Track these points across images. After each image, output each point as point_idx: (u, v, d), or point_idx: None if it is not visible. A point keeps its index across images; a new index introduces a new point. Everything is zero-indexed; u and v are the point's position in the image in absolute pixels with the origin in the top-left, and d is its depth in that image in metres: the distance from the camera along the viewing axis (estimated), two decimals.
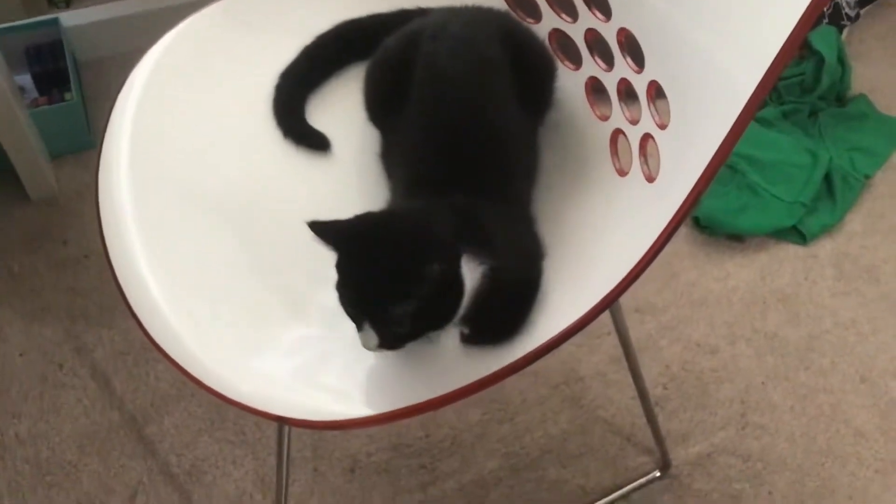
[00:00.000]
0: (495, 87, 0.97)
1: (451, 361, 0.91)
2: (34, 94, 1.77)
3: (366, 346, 0.83)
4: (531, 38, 1.04)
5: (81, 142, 1.73)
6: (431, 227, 0.85)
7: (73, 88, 1.72)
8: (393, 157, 1.01)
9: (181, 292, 0.94)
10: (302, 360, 0.92)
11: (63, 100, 1.74)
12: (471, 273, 0.85)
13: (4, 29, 1.71)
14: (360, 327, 0.83)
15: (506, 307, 0.90)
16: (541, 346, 0.84)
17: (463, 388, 0.84)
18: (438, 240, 0.83)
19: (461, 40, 0.98)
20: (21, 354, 1.50)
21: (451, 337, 0.93)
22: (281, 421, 0.86)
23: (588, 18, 1.00)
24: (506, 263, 0.88)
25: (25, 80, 1.77)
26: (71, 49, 1.80)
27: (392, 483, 1.39)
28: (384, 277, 0.81)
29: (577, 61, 1.04)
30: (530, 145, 1.00)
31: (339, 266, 0.83)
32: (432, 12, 1.08)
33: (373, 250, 0.82)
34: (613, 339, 1.52)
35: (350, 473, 1.40)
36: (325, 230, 0.82)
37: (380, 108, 1.04)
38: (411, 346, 0.90)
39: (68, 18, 1.82)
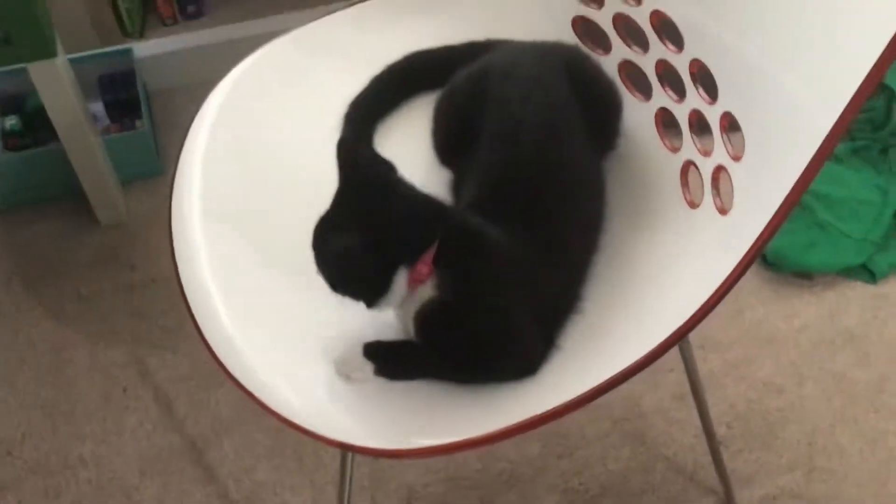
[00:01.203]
0: (565, 129, 0.97)
1: (513, 394, 0.91)
2: (106, 121, 1.82)
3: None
4: (599, 75, 1.04)
5: (151, 169, 1.77)
6: (413, 218, 0.86)
7: (143, 116, 1.76)
8: (458, 196, 1.00)
9: (248, 318, 0.95)
10: (364, 388, 0.91)
11: (134, 128, 1.78)
12: (423, 291, 0.86)
13: (79, 58, 1.76)
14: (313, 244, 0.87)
15: (423, 353, 0.91)
16: (607, 380, 0.83)
17: (524, 422, 0.82)
18: (392, 226, 0.85)
19: (530, 81, 0.99)
20: (86, 377, 1.52)
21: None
22: (343, 447, 0.86)
23: (659, 49, 0.99)
24: (459, 317, 0.88)
25: (98, 108, 1.82)
26: (142, 78, 1.84)
27: None
28: (338, 226, 0.85)
29: (647, 93, 1.04)
30: (594, 189, 1.00)
31: (334, 198, 0.87)
32: (500, 47, 1.08)
33: (348, 199, 0.86)
34: (677, 376, 1.50)
35: None
36: (345, 156, 0.87)
37: (448, 148, 1.04)
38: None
39: (141, 49, 1.86)
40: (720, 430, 1.44)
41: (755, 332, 1.57)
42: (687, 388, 1.46)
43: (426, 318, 0.88)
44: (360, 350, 0.90)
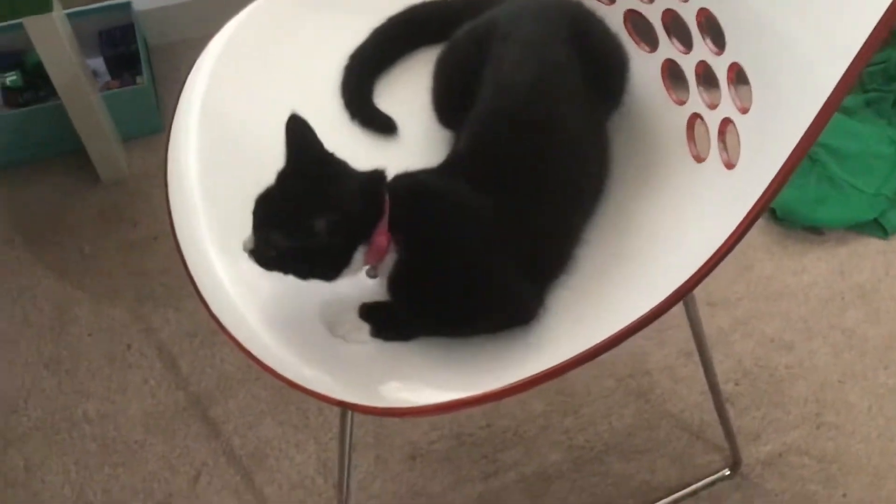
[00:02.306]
0: (561, 93, 0.96)
1: (515, 351, 0.90)
2: (106, 77, 1.80)
3: (243, 246, 0.86)
4: (604, 33, 1.02)
5: (152, 125, 1.75)
6: (362, 191, 0.86)
7: (143, 72, 1.74)
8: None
9: (247, 275, 0.94)
10: (363, 348, 0.90)
11: (134, 83, 1.76)
12: (390, 255, 0.87)
13: (78, 13, 1.73)
14: (253, 230, 0.85)
15: (404, 309, 0.90)
16: (610, 336, 0.82)
17: (528, 379, 0.82)
18: (342, 205, 0.84)
19: (529, 43, 0.97)
20: (90, 334, 1.52)
21: (518, 328, 0.91)
22: (343, 406, 0.85)
23: None
24: (431, 274, 0.88)
25: (98, 63, 1.79)
26: (142, 33, 1.81)
27: (453, 472, 1.37)
28: (287, 207, 0.84)
29: (653, 44, 1.01)
30: (593, 149, 0.98)
31: (278, 174, 0.85)
32: (503, 3, 1.05)
33: (302, 180, 0.85)
34: (683, 333, 1.48)
35: (411, 461, 1.39)
36: (298, 133, 0.86)
37: (447, 109, 1.03)
38: (479, 336, 0.91)
39: (140, 2, 1.83)
40: (727, 388, 1.43)
41: (764, 289, 1.55)
42: (693, 345, 1.45)
43: (394, 282, 0.89)
44: (355, 312, 0.89)
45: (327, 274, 0.86)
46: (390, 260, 0.87)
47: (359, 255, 0.86)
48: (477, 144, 0.94)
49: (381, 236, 0.85)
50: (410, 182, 0.89)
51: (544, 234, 0.92)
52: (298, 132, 0.86)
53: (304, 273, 0.86)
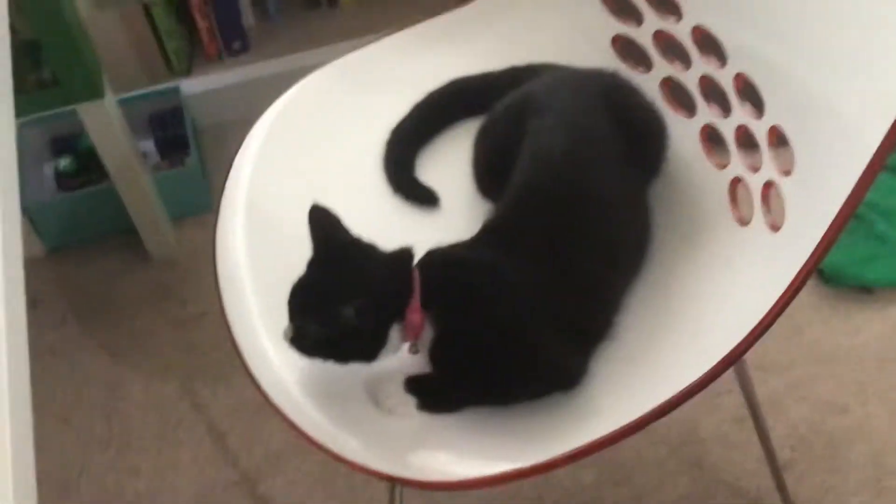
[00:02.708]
0: (597, 163, 0.97)
1: (564, 422, 0.89)
2: (156, 158, 1.85)
3: (284, 335, 0.88)
4: (640, 102, 1.03)
5: (201, 204, 1.79)
6: (390, 273, 0.88)
7: (192, 153, 1.79)
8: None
9: (293, 352, 0.95)
10: (414, 420, 0.90)
11: (183, 164, 1.81)
12: (427, 332, 0.88)
13: (128, 98, 1.79)
14: (289, 319, 0.87)
15: (446, 385, 0.91)
16: (662, 404, 0.81)
17: (577, 450, 0.81)
18: (371, 288, 0.86)
19: (565, 115, 0.99)
20: (140, 412, 1.54)
21: (564, 398, 0.90)
22: (392, 480, 0.85)
23: (702, 65, 0.98)
24: (468, 354, 0.89)
25: (148, 145, 1.84)
26: (190, 115, 1.87)
27: None
28: (317, 296, 0.86)
29: (690, 109, 1.02)
30: (632, 217, 0.98)
31: (308, 263, 0.88)
32: (540, 75, 1.07)
33: (329, 268, 0.88)
34: (734, 399, 1.45)
35: None
36: (321, 223, 0.88)
37: (488, 182, 1.04)
38: (527, 407, 0.90)
39: (188, 86, 1.89)
40: (783, 454, 1.40)
41: (815, 351, 1.52)
42: (746, 410, 1.42)
43: (434, 355, 0.89)
44: (400, 385, 0.90)
45: (365, 356, 0.88)
46: (428, 335, 0.88)
47: (395, 334, 0.87)
48: (512, 214, 0.96)
49: (415, 314, 0.87)
50: (440, 257, 0.91)
51: (583, 302, 0.92)
52: (322, 221, 0.89)
53: (342, 357, 0.88)
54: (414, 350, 0.90)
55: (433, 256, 0.90)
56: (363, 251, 0.89)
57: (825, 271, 1.59)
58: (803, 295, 1.63)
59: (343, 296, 0.85)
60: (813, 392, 1.47)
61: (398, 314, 0.87)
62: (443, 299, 0.88)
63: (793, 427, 1.44)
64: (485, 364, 0.89)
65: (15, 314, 0.65)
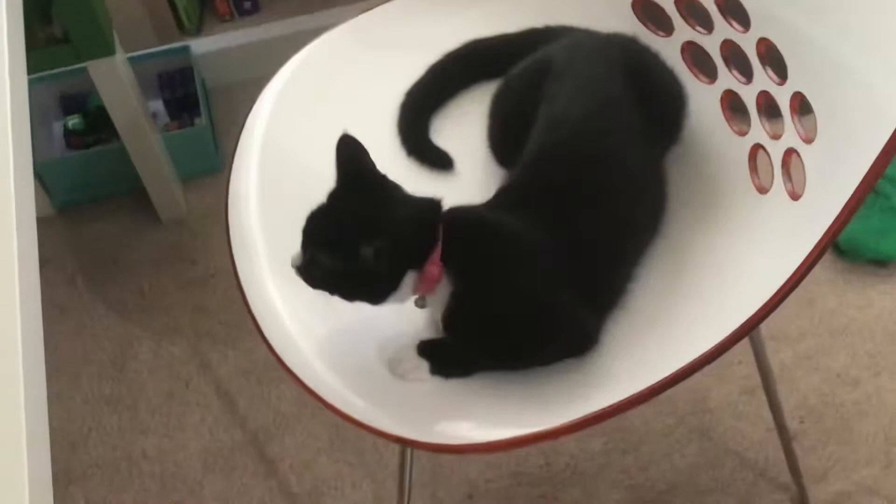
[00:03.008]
0: (614, 128, 0.96)
1: (575, 389, 0.88)
2: (165, 119, 1.83)
3: (291, 262, 0.86)
4: (659, 68, 1.02)
5: (210, 165, 1.78)
6: (415, 219, 0.85)
7: (202, 113, 1.77)
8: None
9: (305, 311, 0.94)
10: (426, 384, 0.90)
11: (193, 124, 1.80)
12: (442, 287, 0.86)
13: (138, 57, 1.77)
14: (301, 247, 0.85)
15: (463, 346, 0.90)
16: (674, 373, 0.80)
17: (587, 417, 0.80)
18: (394, 230, 0.83)
19: (583, 80, 0.98)
20: (149, 372, 1.54)
21: (575, 364, 0.90)
22: (402, 443, 0.85)
23: (724, 29, 0.96)
24: (485, 313, 0.87)
25: (157, 105, 1.83)
26: (200, 75, 1.85)
27: None
28: (336, 229, 0.83)
29: (712, 75, 1.00)
30: (647, 185, 0.97)
31: (329, 194, 0.85)
32: (559, 39, 1.06)
33: (353, 202, 0.84)
34: (744, 369, 1.45)
35: (468, 500, 1.37)
36: (349, 153, 0.85)
37: (503, 149, 1.03)
38: (538, 373, 0.90)
39: (198, 45, 1.87)
40: (792, 425, 1.39)
41: (827, 323, 1.52)
42: (756, 381, 1.41)
43: (450, 315, 0.88)
44: (413, 349, 0.89)
45: (373, 298, 0.86)
46: (442, 291, 0.87)
47: (408, 282, 0.85)
48: (527, 179, 0.94)
49: (433, 266, 0.85)
50: (465, 215, 0.89)
51: (596, 267, 0.91)
52: (350, 152, 0.85)
53: (349, 295, 0.85)
54: (421, 304, 0.89)
55: (457, 213, 0.88)
56: (390, 190, 0.86)
57: (840, 244, 1.57)
58: (817, 267, 1.62)
59: (364, 233, 0.81)
60: (824, 364, 1.47)
61: (416, 263, 0.84)
62: (463, 256, 0.86)
63: (803, 398, 1.43)
64: (500, 327, 0.88)
65: (29, 273, 0.64)
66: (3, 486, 0.53)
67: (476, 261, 0.87)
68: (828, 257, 1.59)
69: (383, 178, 0.86)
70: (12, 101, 0.73)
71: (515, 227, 0.89)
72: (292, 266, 0.85)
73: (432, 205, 0.87)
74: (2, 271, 0.62)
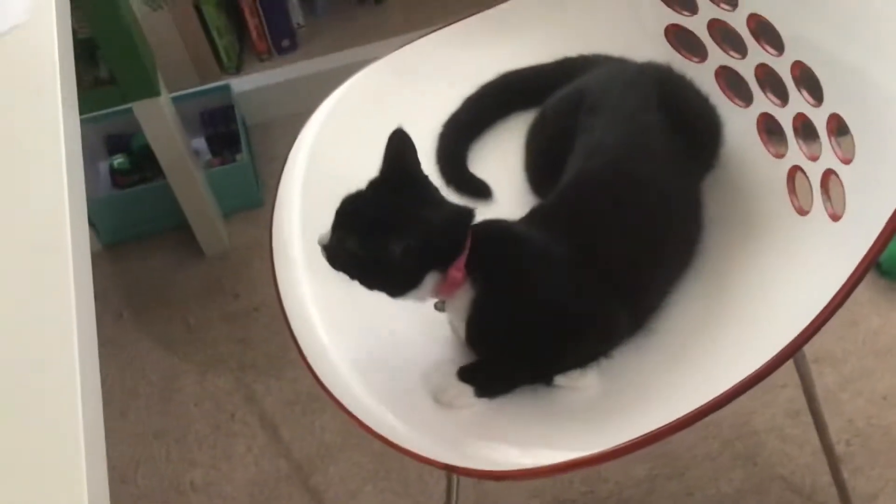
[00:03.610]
0: (649, 155, 0.97)
1: (620, 413, 0.88)
2: (207, 155, 1.87)
3: (319, 240, 0.87)
4: (693, 95, 1.03)
5: (251, 200, 1.81)
6: (448, 223, 0.87)
7: (243, 149, 1.81)
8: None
9: (349, 342, 0.96)
10: (469, 410, 0.91)
11: (234, 161, 1.83)
12: (463, 293, 0.87)
13: (181, 96, 1.82)
14: (332, 228, 0.86)
15: (491, 361, 0.91)
16: (719, 397, 0.80)
17: (631, 442, 0.80)
18: (425, 231, 0.84)
19: (618, 110, 0.99)
20: (196, 404, 1.56)
21: (614, 390, 0.90)
22: (449, 470, 0.85)
23: (758, 53, 0.96)
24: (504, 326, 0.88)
25: (200, 143, 1.87)
26: (241, 113, 1.89)
27: None
28: (369, 217, 0.84)
29: (747, 98, 1.01)
30: (686, 212, 0.98)
31: (370, 182, 0.87)
32: (594, 67, 1.07)
33: (391, 194, 0.86)
34: (789, 392, 1.44)
35: None
36: (399, 147, 0.87)
37: (539, 179, 1.05)
38: (581, 397, 0.90)
39: (238, 84, 1.92)
40: (839, 448, 1.38)
41: (871, 344, 1.50)
42: (801, 404, 1.40)
43: (473, 323, 0.89)
44: (454, 376, 0.90)
45: (392, 291, 0.87)
46: (462, 297, 0.88)
47: (429, 282, 0.86)
48: (562, 201, 0.96)
49: (458, 271, 0.86)
50: (495, 225, 0.90)
51: (626, 288, 0.92)
52: (400, 147, 0.87)
53: (369, 283, 0.87)
54: (440, 307, 0.90)
55: (488, 223, 0.90)
56: (429, 191, 0.88)
57: (882, 264, 1.56)
58: (860, 288, 1.61)
59: (396, 228, 0.83)
60: (868, 385, 1.45)
61: (441, 266, 0.86)
62: (489, 265, 0.87)
63: (848, 421, 1.42)
64: (520, 333, 0.89)
65: (85, 308, 0.66)
66: None
67: (501, 270, 0.88)
68: (870, 277, 1.57)
69: (426, 178, 0.88)
70: (66, 142, 0.76)
71: (542, 240, 0.90)
72: (319, 243, 0.87)
73: (466, 212, 0.88)
74: (60, 305, 0.64)
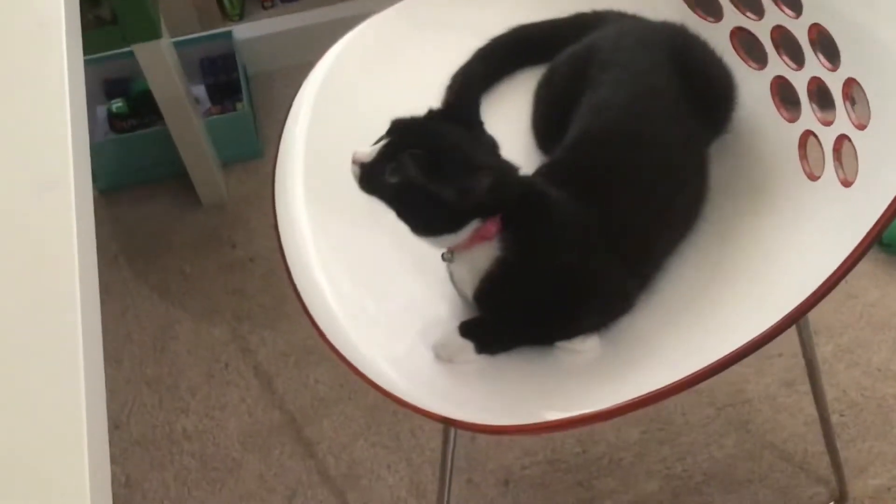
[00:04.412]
0: (656, 115, 0.95)
1: (617, 374, 0.88)
2: (207, 104, 1.85)
3: (357, 156, 0.83)
4: (707, 57, 1.01)
5: (250, 150, 1.79)
6: (505, 174, 0.85)
7: (244, 99, 1.79)
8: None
9: (350, 294, 0.95)
10: (466, 367, 0.90)
11: (234, 110, 1.81)
12: (487, 249, 0.85)
13: (181, 42, 1.79)
14: (386, 147, 0.83)
15: (503, 317, 0.90)
16: (717, 361, 0.80)
17: (628, 403, 0.80)
18: (498, 174, 0.82)
19: (628, 69, 0.97)
20: (190, 352, 1.56)
21: (613, 351, 0.90)
22: (446, 422, 0.85)
23: (776, 14, 0.95)
24: (529, 281, 0.87)
25: (200, 90, 1.85)
26: (242, 61, 1.86)
27: (547, 498, 1.36)
28: (439, 147, 0.82)
29: (761, 61, 0.99)
30: (692, 173, 0.96)
31: (431, 112, 0.85)
32: (607, 25, 1.05)
33: (459, 132, 0.84)
34: (784, 362, 1.44)
35: (504, 486, 1.37)
36: (471, 87, 0.88)
37: (546, 136, 1.03)
38: (581, 357, 0.90)
39: (241, 31, 1.89)
40: (832, 418, 1.38)
41: (869, 317, 1.50)
42: (795, 374, 1.41)
43: (492, 277, 0.87)
44: (456, 332, 0.89)
45: (429, 229, 0.85)
46: (486, 253, 0.86)
47: (469, 229, 0.84)
48: (567, 158, 0.94)
49: (493, 225, 0.84)
50: (534, 188, 0.89)
51: (629, 246, 0.91)
52: (471, 84, 0.88)
53: (408, 215, 0.84)
54: (448, 258, 0.89)
55: (527, 184, 0.88)
56: (486, 136, 0.87)
57: (884, 238, 1.56)
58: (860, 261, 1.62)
59: (470, 164, 0.81)
60: (865, 358, 1.45)
61: (487, 215, 0.84)
62: (524, 226, 0.86)
63: (843, 392, 1.42)
64: (541, 294, 0.88)
65: (87, 253, 0.65)
66: (64, 461, 0.54)
67: (535, 232, 0.87)
68: (871, 252, 1.56)
69: (482, 124, 0.87)
70: (70, 81, 0.74)
71: (574, 206, 0.89)
72: (356, 160, 0.83)
73: (515, 167, 0.87)
74: (62, 248, 0.63)
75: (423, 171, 0.81)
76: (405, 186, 0.81)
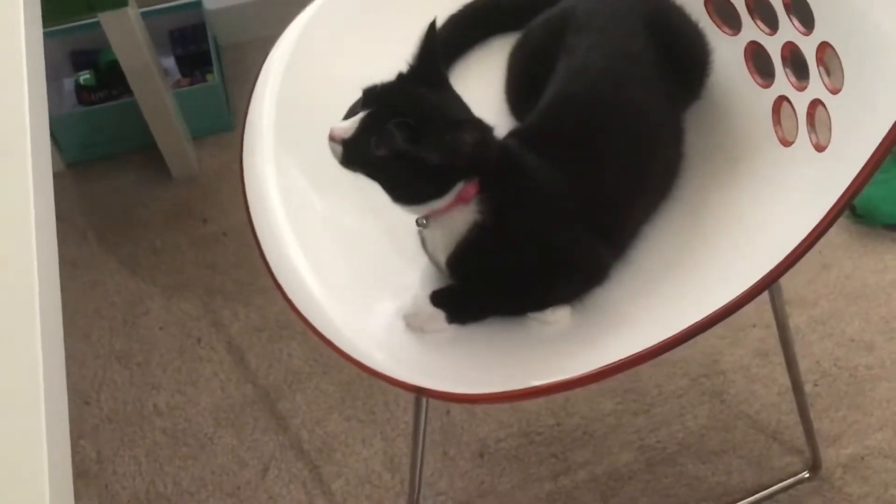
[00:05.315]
0: (632, 80, 0.94)
1: (590, 342, 0.88)
2: (177, 75, 1.82)
3: (334, 133, 0.80)
4: (683, 23, 1.00)
5: (221, 123, 1.77)
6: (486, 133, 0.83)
7: (214, 70, 1.76)
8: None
9: (321, 266, 0.94)
10: (438, 337, 0.89)
11: (205, 81, 1.78)
12: (464, 213, 0.84)
13: (150, 12, 1.76)
14: (365, 119, 0.80)
15: (477, 285, 0.88)
16: (689, 327, 0.80)
17: (601, 370, 0.80)
18: (483, 131, 0.81)
19: (603, 34, 0.96)
20: (161, 328, 1.54)
21: (586, 319, 0.89)
22: (418, 392, 0.84)
23: None
24: (507, 244, 0.86)
25: (169, 62, 1.82)
26: (213, 32, 1.83)
27: (522, 470, 1.35)
28: (427, 109, 0.80)
29: (735, 26, 0.98)
30: (667, 139, 0.96)
31: (401, 76, 0.83)
32: None
33: (434, 95, 0.82)
34: (758, 332, 1.45)
35: (479, 458, 1.37)
36: (433, 48, 0.83)
37: (519, 101, 1.02)
38: (554, 326, 0.89)
39: (210, 2, 1.85)
40: (806, 388, 1.38)
41: (842, 288, 1.50)
42: (769, 345, 1.42)
43: (467, 243, 0.85)
44: (427, 300, 0.88)
45: (415, 196, 0.83)
46: (463, 217, 0.85)
47: (453, 193, 0.82)
48: (541, 123, 0.93)
49: (472, 188, 0.83)
50: (512, 150, 0.87)
51: (603, 213, 0.90)
52: (433, 41, 0.83)
53: (394, 185, 0.82)
54: (422, 223, 0.87)
55: (506, 146, 0.87)
56: (456, 95, 0.85)
57: (858, 208, 1.56)
58: (833, 231, 1.61)
59: (460, 122, 0.79)
60: (838, 328, 1.46)
61: (470, 177, 0.82)
62: (503, 190, 0.84)
63: (816, 362, 1.43)
64: (518, 261, 0.87)
65: (45, 228, 0.64)
66: (21, 440, 0.52)
67: (514, 196, 0.85)
68: (844, 222, 1.57)
69: (448, 81, 0.85)
70: (28, 53, 0.72)
71: (552, 173, 0.87)
72: (334, 138, 0.80)
73: (490, 126, 0.84)
74: (20, 224, 0.61)
75: (410, 139, 0.78)
76: (393, 158, 0.79)
